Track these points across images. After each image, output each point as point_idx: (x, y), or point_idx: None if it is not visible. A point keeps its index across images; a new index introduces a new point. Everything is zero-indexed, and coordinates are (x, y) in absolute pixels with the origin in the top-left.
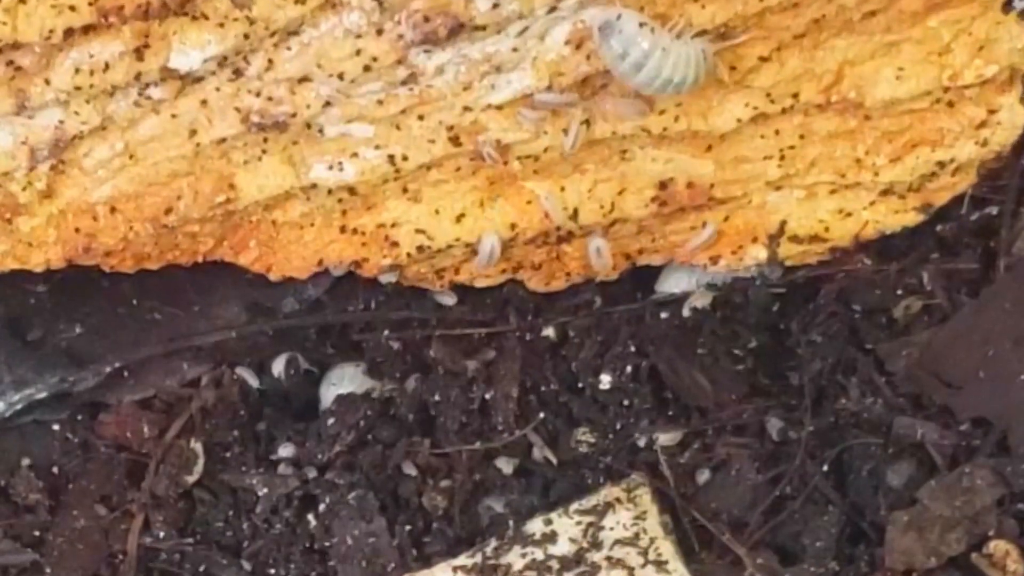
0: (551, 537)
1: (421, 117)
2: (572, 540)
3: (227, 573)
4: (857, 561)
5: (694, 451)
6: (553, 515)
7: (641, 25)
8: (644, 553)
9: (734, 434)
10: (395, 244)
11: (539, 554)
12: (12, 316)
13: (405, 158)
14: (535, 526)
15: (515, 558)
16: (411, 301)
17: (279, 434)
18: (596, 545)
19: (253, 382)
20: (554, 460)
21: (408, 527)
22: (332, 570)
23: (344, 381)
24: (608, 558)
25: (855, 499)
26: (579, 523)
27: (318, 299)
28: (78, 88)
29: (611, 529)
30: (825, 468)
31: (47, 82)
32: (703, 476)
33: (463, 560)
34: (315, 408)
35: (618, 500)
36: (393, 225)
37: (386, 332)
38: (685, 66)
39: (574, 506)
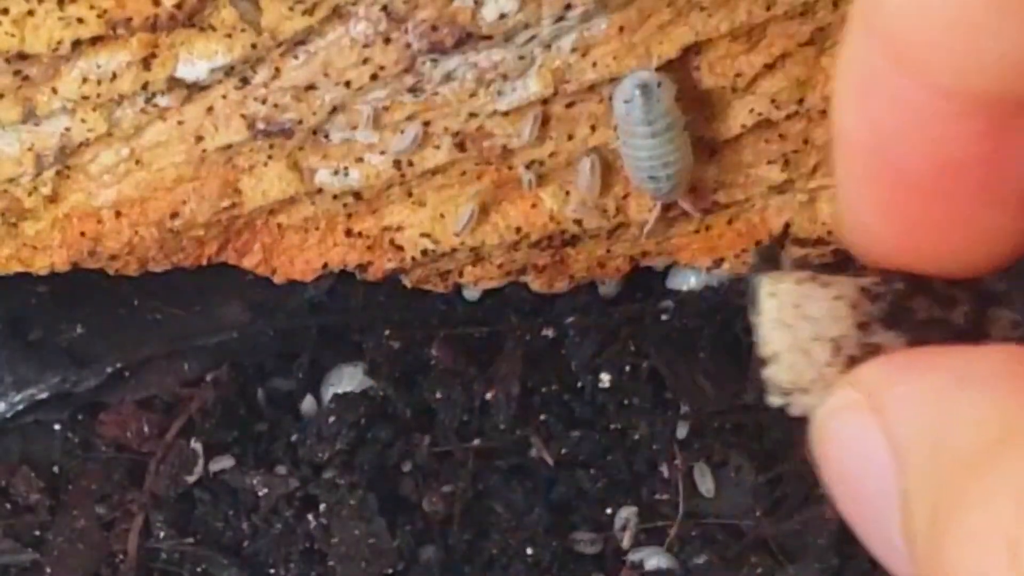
0: None
1: (427, 123)
2: None
3: (227, 573)
4: (858, 559)
5: (694, 451)
6: None
7: (675, 101)
8: None
9: (734, 434)
10: (399, 248)
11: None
12: (13, 316)
13: (410, 163)
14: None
15: None
16: (411, 301)
17: (279, 434)
18: None
19: (253, 382)
20: (551, 461)
21: (408, 527)
22: (332, 570)
23: (343, 381)
24: None
25: None
26: None
27: (318, 299)
28: (85, 97)
29: None
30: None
31: (54, 91)
32: (703, 476)
33: None
34: (315, 408)
35: None
36: (398, 229)
37: (386, 332)
38: (676, 167)
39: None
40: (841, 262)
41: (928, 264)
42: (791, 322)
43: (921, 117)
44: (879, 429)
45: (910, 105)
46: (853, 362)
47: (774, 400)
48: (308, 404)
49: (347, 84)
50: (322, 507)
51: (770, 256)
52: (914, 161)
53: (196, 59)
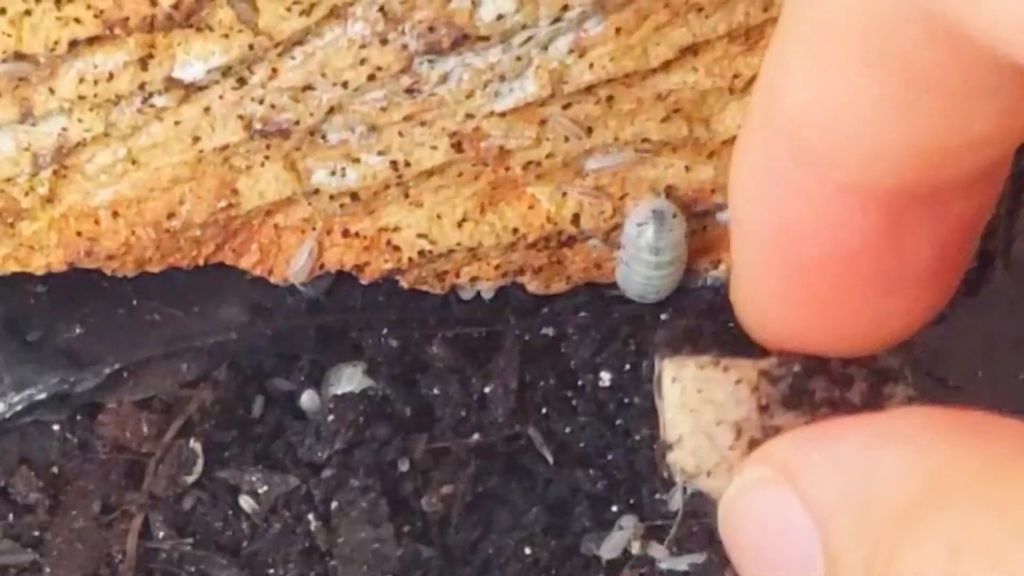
0: None
1: (424, 124)
2: None
3: (226, 573)
4: None
5: None
6: None
7: (685, 236)
8: None
9: None
10: (396, 248)
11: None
12: (12, 317)
13: (407, 164)
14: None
15: None
16: (410, 301)
17: (278, 434)
18: None
19: (252, 382)
20: (550, 460)
21: (407, 527)
22: (332, 570)
23: (343, 381)
24: None
25: None
26: None
27: (317, 300)
28: (82, 97)
29: None
30: None
31: (51, 91)
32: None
33: None
34: (314, 408)
35: None
36: (395, 230)
37: (385, 332)
38: (665, 293)
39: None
40: (744, 342)
41: (825, 346)
42: (694, 407)
43: (818, 209)
44: (795, 498)
45: (807, 197)
46: (755, 444)
47: (680, 482)
48: (307, 404)
49: (344, 85)
50: (322, 507)
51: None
52: (811, 250)
53: (193, 59)
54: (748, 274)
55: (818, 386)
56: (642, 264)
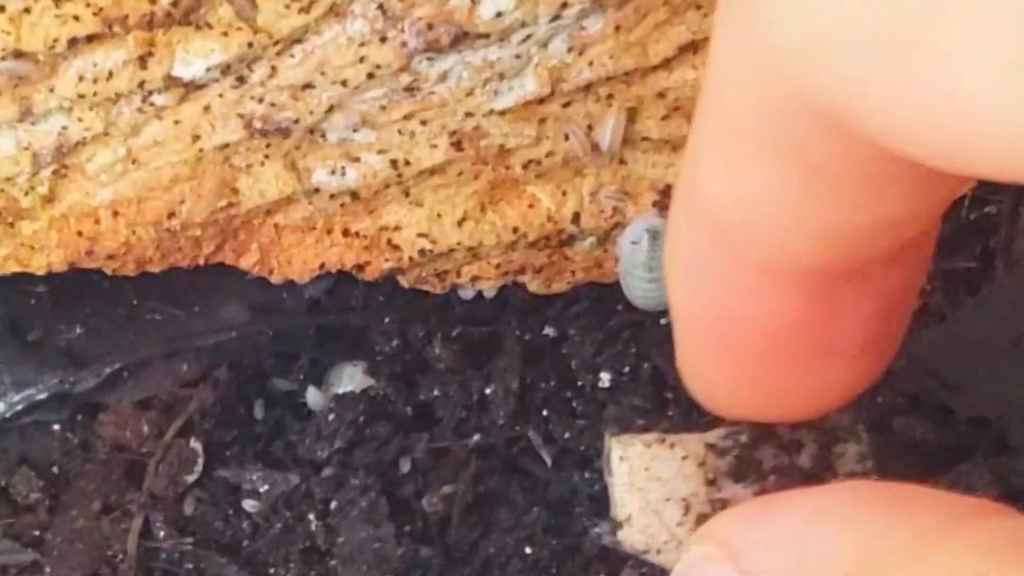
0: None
1: (424, 122)
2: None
3: (227, 572)
4: None
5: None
6: None
7: None
8: None
9: None
10: (397, 248)
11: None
12: (12, 317)
13: (407, 163)
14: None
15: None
16: (411, 301)
17: (279, 434)
18: None
19: (252, 382)
20: (549, 461)
21: (407, 527)
22: (333, 569)
23: (343, 380)
24: None
25: None
26: None
27: (318, 299)
28: (81, 96)
29: None
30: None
31: (51, 90)
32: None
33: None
34: (315, 408)
35: None
36: (395, 229)
37: (386, 332)
38: (662, 308)
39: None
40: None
41: (771, 415)
42: (642, 485)
43: (744, 291)
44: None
45: (733, 281)
46: (703, 519)
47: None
48: (308, 404)
49: (344, 83)
50: (321, 506)
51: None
52: (743, 330)
53: (193, 57)
54: (688, 352)
55: (766, 455)
56: (637, 279)
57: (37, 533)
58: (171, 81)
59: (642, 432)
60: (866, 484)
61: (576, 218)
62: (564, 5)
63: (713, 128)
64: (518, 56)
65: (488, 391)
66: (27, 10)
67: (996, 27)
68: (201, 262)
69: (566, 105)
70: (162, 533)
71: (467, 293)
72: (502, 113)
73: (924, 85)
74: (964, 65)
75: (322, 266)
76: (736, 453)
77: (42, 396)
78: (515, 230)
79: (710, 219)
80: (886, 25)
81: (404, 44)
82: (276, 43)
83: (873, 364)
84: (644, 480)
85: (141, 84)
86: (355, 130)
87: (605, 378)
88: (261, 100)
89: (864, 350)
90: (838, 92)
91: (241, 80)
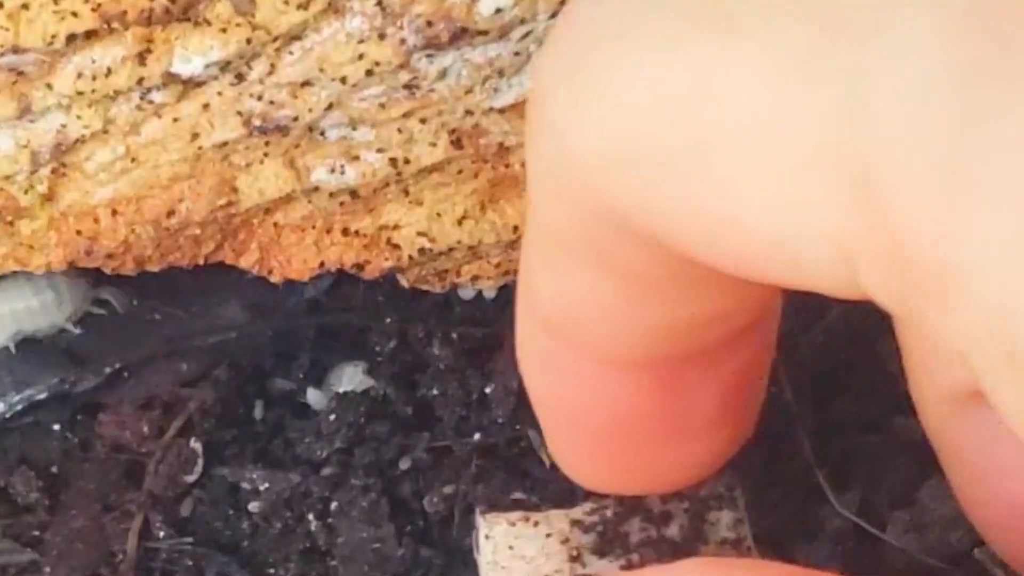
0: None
1: (423, 120)
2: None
3: (227, 572)
4: (858, 560)
5: None
6: None
7: None
8: None
9: None
10: (396, 247)
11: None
12: None
13: (407, 161)
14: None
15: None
16: (411, 300)
17: (279, 434)
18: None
19: (252, 382)
20: (547, 462)
21: (408, 527)
22: (333, 569)
23: (343, 380)
24: None
25: (855, 499)
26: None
27: (318, 299)
28: (80, 93)
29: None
30: (825, 468)
31: (49, 87)
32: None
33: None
34: (315, 408)
35: None
36: (394, 228)
37: (386, 331)
38: None
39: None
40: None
41: (636, 489)
42: (506, 564)
43: (588, 380)
44: None
45: (575, 371)
46: None
47: None
48: (308, 404)
49: (343, 80)
50: (322, 507)
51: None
52: (592, 415)
53: (192, 54)
54: (548, 433)
55: (633, 528)
56: None
57: (37, 533)
58: (170, 78)
59: (509, 510)
60: (711, 561)
61: None
62: (563, 1)
63: (534, 233)
64: (518, 53)
65: (488, 390)
66: (25, 6)
67: (773, 160)
68: (200, 261)
69: None
70: (162, 533)
71: (467, 293)
72: (502, 111)
73: (709, 209)
74: (744, 193)
75: (321, 265)
76: (601, 529)
77: (42, 396)
78: (515, 229)
79: (544, 318)
80: (670, 152)
81: (403, 41)
82: (275, 40)
83: (731, 436)
84: (508, 559)
85: (140, 81)
86: (354, 128)
87: None
88: (260, 98)
89: (717, 427)
90: (631, 208)
91: (240, 77)
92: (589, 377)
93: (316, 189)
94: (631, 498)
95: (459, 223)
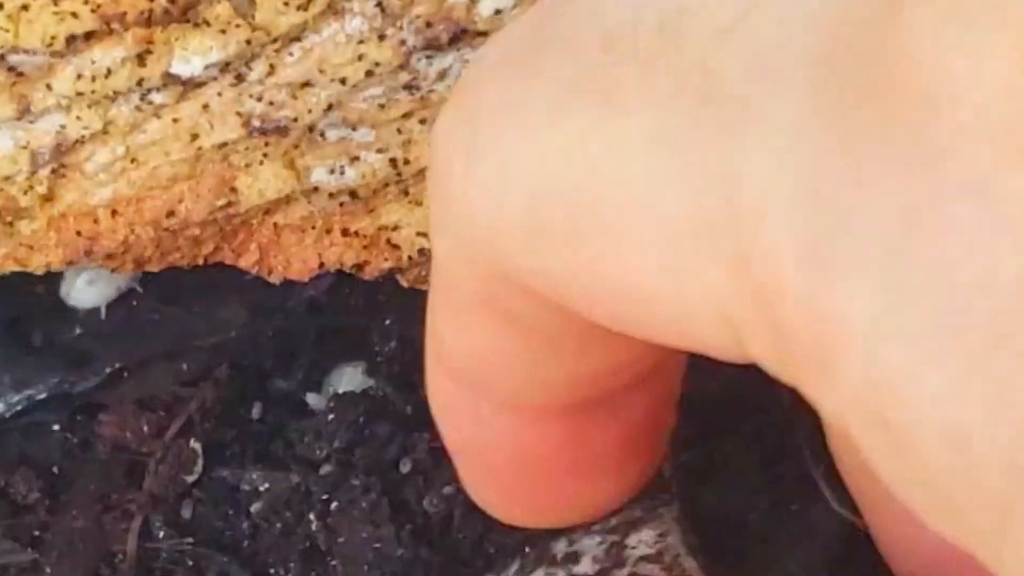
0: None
1: (423, 121)
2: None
3: (227, 572)
4: (858, 560)
5: (695, 451)
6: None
7: None
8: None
9: (734, 432)
10: (396, 247)
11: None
12: (12, 317)
13: (407, 162)
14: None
15: None
16: (411, 300)
17: (279, 434)
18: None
19: (252, 382)
20: None
21: (408, 527)
22: (333, 569)
23: (344, 381)
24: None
25: (851, 498)
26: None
27: (318, 299)
28: (80, 94)
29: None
30: (824, 468)
31: (49, 88)
32: (704, 476)
33: None
34: (315, 408)
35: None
36: (394, 228)
37: (386, 331)
38: None
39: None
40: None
41: (554, 523)
42: None
43: (492, 424)
44: None
45: (480, 415)
46: None
47: None
48: (308, 404)
49: (343, 81)
50: (322, 507)
51: None
52: (501, 458)
53: (191, 55)
54: (460, 472)
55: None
56: None
57: (37, 533)
58: (169, 79)
59: None
60: None
61: None
62: None
63: (438, 288)
64: None
65: None
66: (25, 7)
67: (655, 230)
68: (200, 262)
69: None
70: (162, 533)
71: None
72: None
73: (601, 276)
74: (633, 262)
75: (321, 266)
76: (514, 570)
77: (42, 396)
78: None
79: (449, 367)
80: (561, 221)
81: (403, 42)
82: (274, 41)
83: (642, 469)
84: None
85: (139, 82)
86: (354, 129)
87: None
88: (260, 98)
89: (628, 462)
90: (531, 274)
91: (239, 78)
92: (495, 422)
93: (316, 190)
94: (536, 547)
95: None
